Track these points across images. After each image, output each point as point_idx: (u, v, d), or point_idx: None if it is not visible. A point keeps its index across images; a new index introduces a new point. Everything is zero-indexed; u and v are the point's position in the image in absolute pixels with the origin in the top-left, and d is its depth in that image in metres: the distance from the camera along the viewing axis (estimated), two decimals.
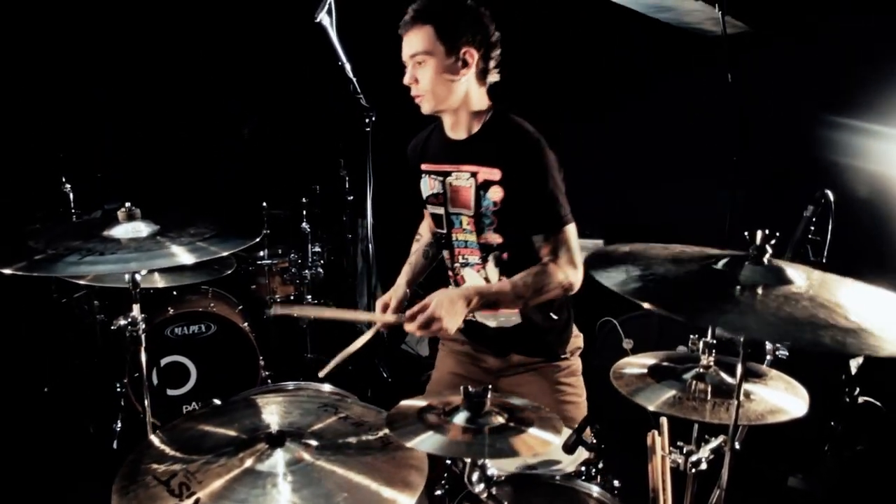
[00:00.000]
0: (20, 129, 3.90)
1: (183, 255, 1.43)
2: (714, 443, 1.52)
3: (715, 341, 1.44)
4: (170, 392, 3.34)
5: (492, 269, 2.04)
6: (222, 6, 4.42)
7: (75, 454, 3.16)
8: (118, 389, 3.32)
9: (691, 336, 1.46)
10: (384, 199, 3.50)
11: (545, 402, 2.03)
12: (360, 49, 3.14)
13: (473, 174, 1.97)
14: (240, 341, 3.42)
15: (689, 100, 3.88)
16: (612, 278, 1.19)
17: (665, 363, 1.52)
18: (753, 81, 3.29)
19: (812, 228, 1.91)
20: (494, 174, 1.94)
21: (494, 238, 1.99)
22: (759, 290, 1.12)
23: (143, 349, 1.52)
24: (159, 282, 2.22)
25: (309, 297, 3.89)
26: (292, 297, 4.00)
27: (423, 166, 2.12)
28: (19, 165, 3.71)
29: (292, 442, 1.35)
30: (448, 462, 1.72)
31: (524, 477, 1.58)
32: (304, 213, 3.91)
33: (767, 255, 1.14)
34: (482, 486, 1.12)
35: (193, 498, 1.20)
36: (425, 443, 1.16)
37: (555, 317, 2.10)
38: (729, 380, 1.43)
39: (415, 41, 1.91)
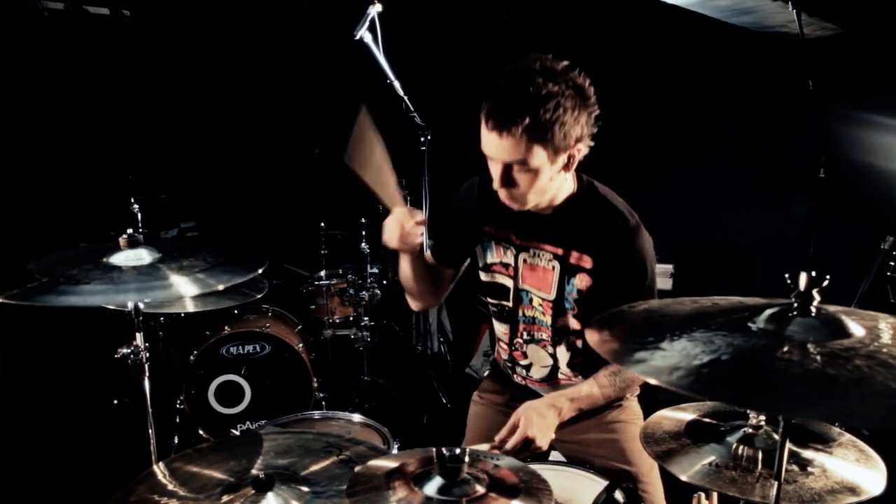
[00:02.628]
0: (90, 151, 4.08)
1: (183, 286, 1.36)
2: None
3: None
4: (224, 411, 3.35)
5: (563, 352, 1.86)
6: (291, 27, 4.49)
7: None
8: (178, 406, 3.37)
9: None
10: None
11: (601, 440, 1.88)
12: (411, 66, 3.07)
13: (557, 256, 1.76)
14: (294, 362, 3.39)
15: (768, 112, 3.55)
16: (648, 367, 0.91)
17: (706, 419, 1.31)
18: (840, 89, 2.94)
19: (893, 264, 1.62)
20: (584, 261, 1.73)
21: (572, 323, 1.80)
22: (810, 348, 0.89)
23: (146, 378, 1.46)
24: (189, 307, 2.21)
25: (366, 318, 3.83)
26: (351, 318, 3.96)
27: (488, 229, 1.85)
28: (89, 185, 3.87)
29: (281, 486, 1.25)
30: None
31: None
32: (363, 233, 3.86)
33: (815, 303, 0.92)
34: None
35: None
36: None
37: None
38: (795, 448, 1.20)
39: (513, 149, 1.53)
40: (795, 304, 0.92)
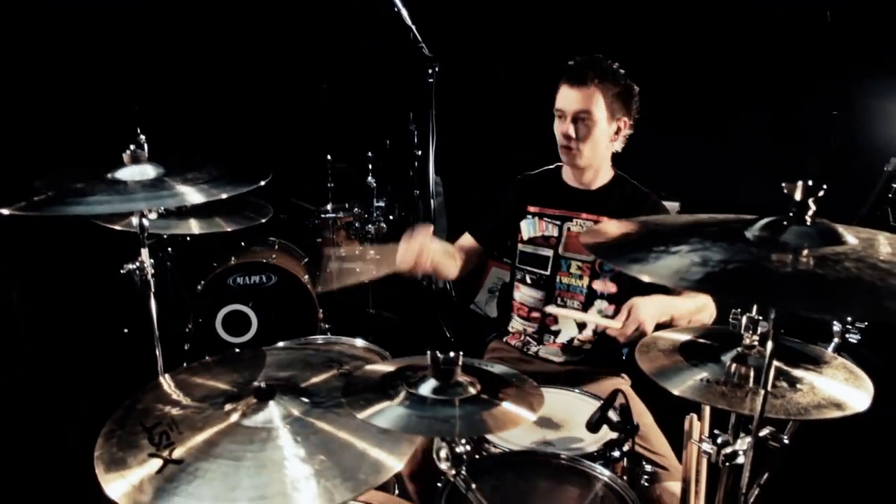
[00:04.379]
0: (96, 83, 4.03)
1: (189, 195, 1.37)
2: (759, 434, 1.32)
3: (761, 317, 1.23)
4: (231, 339, 3.42)
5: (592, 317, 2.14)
6: None
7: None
8: (186, 331, 3.44)
9: (733, 310, 1.26)
10: (450, 153, 3.37)
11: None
12: None
13: (597, 223, 2.10)
14: (300, 293, 3.44)
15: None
16: (656, 269, 0.93)
17: (701, 340, 1.33)
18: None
19: (895, 186, 1.60)
20: None
21: (608, 287, 2.13)
22: (804, 253, 0.90)
23: (151, 294, 1.49)
24: (195, 228, 2.22)
25: (372, 252, 3.85)
26: (357, 252, 3.98)
27: (532, 208, 2.24)
28: (95, 117, 3.84)
29: (282, 396, 1.28)
30: None
31: (524, 454, 1.44)
32: (370, 167, 3.85)
33: (811, 213, 0.92)
34: (447, 464, 1.00)
35: (170, 448, 1.16)
36: (380, 416, 1.05)
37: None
38: (776, 363, 1.22)
39: (584, 99, 2.02)
40: (791, 213, 0.92)
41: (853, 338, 1.46)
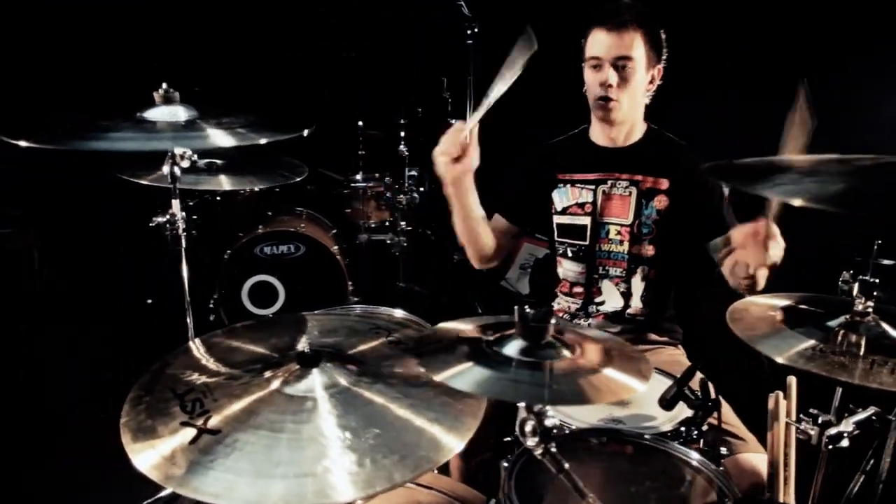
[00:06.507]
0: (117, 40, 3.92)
1: (220, 139, 1.24)
2: (862, 414, 1.17)
3: (878, 280, 1.07)
4: (258, 311, 3.31)
5: (637, 283, 2.00)
6: None
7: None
8: (210, 305, 3.33)
9: (844, 272, 1.09)
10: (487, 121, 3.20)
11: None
12: None
13: (634, 182, 1.97)
14: (329, 264, 3.33)
15: None
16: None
17: (803, 306, 1.17)
18: None
19: None
20: (661, 183, 1.95)
21: (647, 250, 1.98)
22: None
23: (182, 250, 1.36)
24: (225, 184, 2.08)
25: (403, 223, 3.71)
26: (387, 224, 3.84)
27: (561, 176, 2.07)
28: (118, 73, 3.73)
29: (328, 363, 1.15)
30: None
31: (603, 432, 1.29)
32: (402, 135, 3.68)
33: None
34: (535, 440, 0.86)
35: (205, 416, 1.04)
36: (459, 378, 0.91)
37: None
38: (894, 333, 1.06)
39: (625, 43, 1.85)
40: None
41: None
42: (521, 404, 0.93)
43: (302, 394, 1.08)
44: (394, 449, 0.96)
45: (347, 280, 3.37)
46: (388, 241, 3.82)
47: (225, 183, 2.11)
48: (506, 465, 1.15)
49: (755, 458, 1.50)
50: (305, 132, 1.30)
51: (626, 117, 1.94)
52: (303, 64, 4.35)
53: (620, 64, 1.85)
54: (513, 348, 0.92)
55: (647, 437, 1.26)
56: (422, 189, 3.71)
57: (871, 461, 1.19)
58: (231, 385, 1.12)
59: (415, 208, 3.75)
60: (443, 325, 1.03)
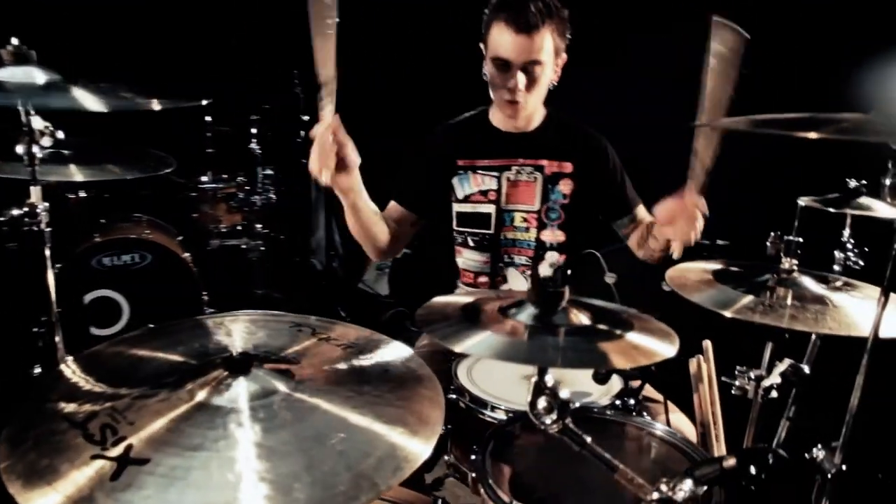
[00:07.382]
0: None
1: (88, 101, 1.02)
2: (782, 366, 1.25)
3: (801, 239, 1.14)
4: (96, 332, 2.90)
5: (546, 271, 1.80)
6: None
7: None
8: (35, 331, 2.85)
9: (772, 233, 1.16)
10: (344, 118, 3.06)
11: None
12: None
13: (538, 168, 1.94)
14: (180, 273, 3.00)
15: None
16: None
17: (732, 268, 1.22)
18: None
19: None
20: (565, 167, 1.94)
21: (557, 236, 1.96)
22: None
23: (47, 248, 1.11)
24: (76, 175, 1.73)
25: (259, 226, 3.45)
26: (239, 228, 3.56)
27: (462, 162, 1.98)
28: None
29: (261, 368, 1.00)
30: (451, 396, 1.42)
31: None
32: (253, 131, 3.43)
33: None
34: (553, 416, 0.79)
35: (123, 444, 0.84)
36: (479, 345, 0.83)
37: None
38: (815, 288, 1.14)
39: (536, 47, 1.74)
40: None
41: (854, 262, 1.44)
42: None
43: (236, 404, 0.93)
44: (355, 457, 0.84)
45: (202, 289, 3.06)
46: (244, 246, 3.54)
47: (76, 174, 1.74)
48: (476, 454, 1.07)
49: (679, 420, 1.53)
50: (204, 102, 1.12)
51: (532, 110, 1.92)
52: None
53: (530, 68, 1.76)
54: (526, 314, 0.86)
55: (608, 412, 1.24)
56: (282, 187, 3.46)
57: (793, 407, 1.28)
58: (146, 403, 0.93)
59: (270, 209, 3.51)
60: (436, 299, 0.94)
